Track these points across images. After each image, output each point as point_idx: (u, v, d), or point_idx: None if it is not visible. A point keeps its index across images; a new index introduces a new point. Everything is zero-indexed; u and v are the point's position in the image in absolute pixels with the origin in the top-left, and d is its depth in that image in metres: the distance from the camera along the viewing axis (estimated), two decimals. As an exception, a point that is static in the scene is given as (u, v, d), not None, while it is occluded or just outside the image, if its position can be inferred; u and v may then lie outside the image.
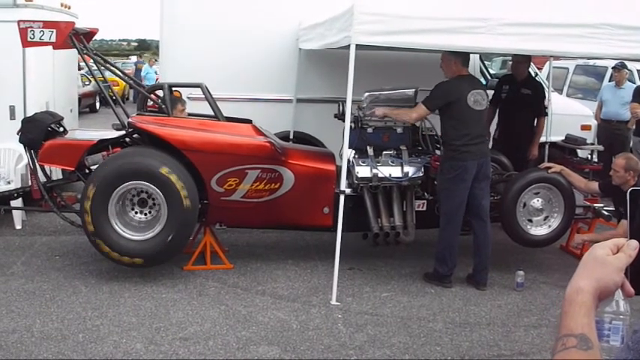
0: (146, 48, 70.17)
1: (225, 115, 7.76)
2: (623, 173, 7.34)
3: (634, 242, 1.49)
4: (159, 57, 11.15)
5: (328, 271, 7.39)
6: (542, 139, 9.63)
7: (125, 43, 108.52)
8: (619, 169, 7.39)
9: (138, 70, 30.40)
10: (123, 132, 7.88)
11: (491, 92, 9.88)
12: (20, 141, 7.85)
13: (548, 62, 12.11)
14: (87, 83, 22.78)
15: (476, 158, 7.17)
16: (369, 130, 7.80)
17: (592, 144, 10.74)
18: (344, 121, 7.08)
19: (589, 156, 10.52)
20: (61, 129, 8.13)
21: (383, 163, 7.68)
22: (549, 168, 7.96)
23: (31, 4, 9.63)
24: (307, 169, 7.65)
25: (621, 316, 1.53)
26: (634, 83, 12.77)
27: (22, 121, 8.00)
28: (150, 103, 8.29)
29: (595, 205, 8.52)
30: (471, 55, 9.97)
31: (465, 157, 7.15)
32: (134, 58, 41.01)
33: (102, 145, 7.75)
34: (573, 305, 1.44)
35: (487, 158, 7.37)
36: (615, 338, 1.52)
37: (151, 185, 7.12)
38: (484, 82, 11.31)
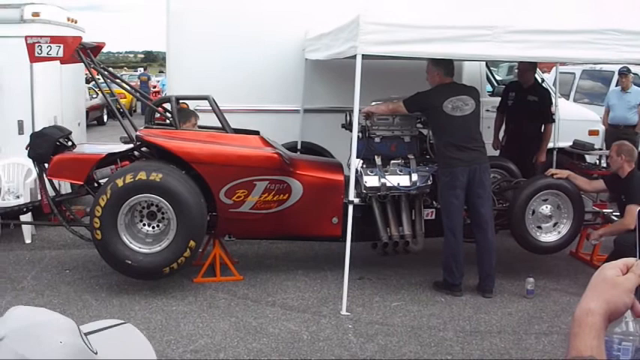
0: (153, 60, 70.52)
1: (232, 126, 7.78)
2: (616, 157, 7.64)
3: None
4: (166, 69, 11.16)
5: (338, 281, 7.38)
6: (550, 144, 9.63)
7: (132, 55, 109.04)
8: (613, 154, 7.73)
9: (143, 83, 30.49)
10: (131, 145, 7.90)
11: (497, 99, 9.92)
12: (29, 156, 7.88)
13: (554, 68, 12.10)
14: (94, 96, 22.83)
15: (466, 165, 7.16)
16: (377, 139, 7.79)
17: (600, 149, 10.74)
18: (351, 130, 7.09)
19: (597, 161, 10.51)
20: (70, 143, 8.15)
21: (391, 172, 7.67)
22: (555, 174, 7.96)
23: (38, 19, 9.68)
24: (315, 180, 7.65)
25: (631, 337, 1.51)
26: (640, 87, 12.74)
27: (31, 136, 8.02)
28: (157, 115, 8.33)
29: (604, 210, 8.51)
30: (478, 62, 10.03)
31: (453, 163, 7.17)
32: (141, 70, 41.13)
33: (110, 158, 7.76)
34: (583, 327, 1.41)
35: (481, 165, 7.29)
36: None
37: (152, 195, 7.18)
38: (490, 88, 11.33)
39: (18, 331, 1.29)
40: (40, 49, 7.60)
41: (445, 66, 7.39)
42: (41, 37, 7.71)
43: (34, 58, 7.74)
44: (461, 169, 7.15)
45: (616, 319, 1.46)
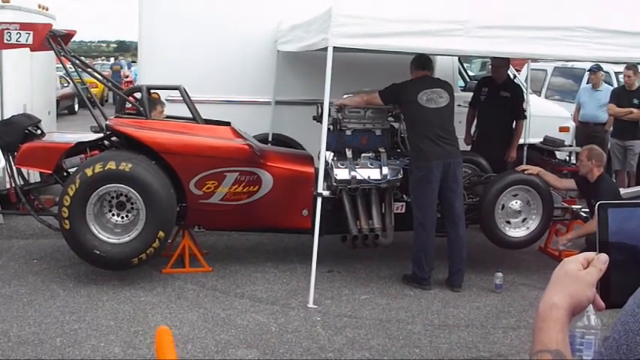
0: (125, 49, 70.03)
1: (203, 117, 7.75)
2: (586, 162, 7.75)
3: (604, 256, 1.48)
4: (137, 58, 11.08)
5: (307, 273, 7.36)
6: (521, 140, 9.68)
7: (104, 45, 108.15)
8: (583, 157, 7.85)
9: (115, 73, 30.37)
10: (101, 134, 7.84)
11: (469, 94, 9.95)
12: (-3, 144, 7.79)
13: (526, 64, 12.18)
14: (65, 85, 22.59)
15: (440, 159, 7.18)
16: (348, 132, 7.81)
17: (570, 146, 10.83)
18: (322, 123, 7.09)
19: (567, 158, 10.60)
20: (39, 132, 8.08)
21: (361, 165, 7.67)
22: (525, 170, 8.03)
23: (8, 5, 9.57)
24: (286, 172, 7.64)
25: (592, 331, 1.53)
26: (611, 85, 12.83)
27: (-1, 124, 7.94)
28: (128, 105, 8.27)
29: (573, 206, 8.57)
30: (450, 57, 10.05)
31: (428, 156, 7.17)
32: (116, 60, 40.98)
33: (80, 147, 7.69)
34: (547, 321, 1.43)
35: (455, 159, 7.31)
36: (588, 353, 1.53)
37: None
38: (463, 84, 11.36)
39: None
40: (10, 36, 7.51)
41: (416, 60, 7.45)
42: (10, 23, 7.62)
43: (2, 45, 7.66)
44: (436, 164, 7.16)
45: (579, 312, 1.48)
